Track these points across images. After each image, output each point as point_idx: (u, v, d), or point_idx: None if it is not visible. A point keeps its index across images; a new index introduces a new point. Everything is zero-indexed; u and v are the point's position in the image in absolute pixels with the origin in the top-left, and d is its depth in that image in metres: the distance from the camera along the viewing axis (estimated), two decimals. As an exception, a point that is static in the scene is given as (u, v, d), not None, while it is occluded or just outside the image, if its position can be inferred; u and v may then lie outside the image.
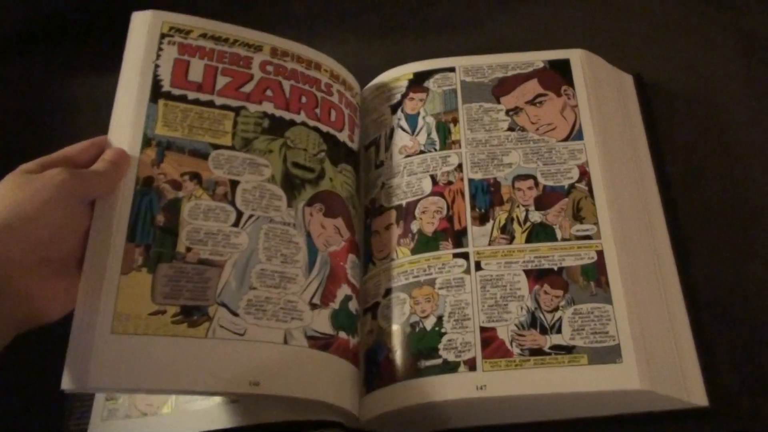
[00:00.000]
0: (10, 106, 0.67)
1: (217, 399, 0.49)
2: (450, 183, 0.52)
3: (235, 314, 0.45)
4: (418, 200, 0.52)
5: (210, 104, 0.50)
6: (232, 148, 0.49)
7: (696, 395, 0.46)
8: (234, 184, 0.48)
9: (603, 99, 0.55)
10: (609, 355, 0.44)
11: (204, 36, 0.52)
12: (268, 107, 0.51)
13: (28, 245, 0.40)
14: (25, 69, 0.69)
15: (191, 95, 0.49)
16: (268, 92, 0.52)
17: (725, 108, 0.59)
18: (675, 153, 0.57)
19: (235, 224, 0.47)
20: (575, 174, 0.51)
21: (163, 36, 0.51)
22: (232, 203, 0.47)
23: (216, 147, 0.48)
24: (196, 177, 0.47)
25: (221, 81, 0.51)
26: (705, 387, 0.47)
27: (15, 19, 0.70)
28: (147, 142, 0.47)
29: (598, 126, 0.53)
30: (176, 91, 0.49)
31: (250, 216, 0.47)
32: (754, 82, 0.60)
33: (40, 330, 0.43)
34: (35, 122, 0.66)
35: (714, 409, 0.46)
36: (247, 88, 0.51)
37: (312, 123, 0.52)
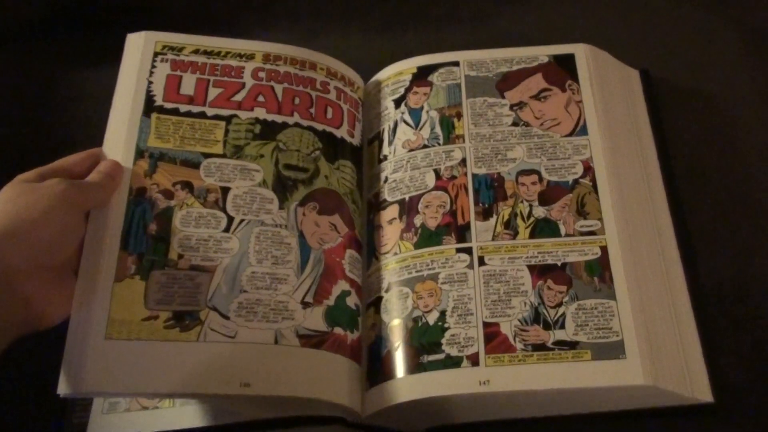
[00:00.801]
0: (15, 96, 0.67)
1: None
2: (453, 177, 0.52)
3: (226, 317, 0.45)
4: (422, 195, 0.52)
5: (202, 115, 0.51)
6: (223, 156, 0.50)
7: (701, 391, 0.46)
8: (225, 190, 0.49)
9: (608, 94, 0.55)
10: (613, 350, 0.44)
11: (196, 51, 0.54)
12: (259, 113, 0.52)
13: (29, 252, 0.41)
14: (29, 59, 0.69)
15: (183, 108, 0.51)
16: (260, 98, 0.53)
17: (731, 104, 0.59)
18: (681, 149, 0.57)
19: (226, 230, 0.48)
20: (579, 169, 0.51)
21: (156, 54, 0.53)
22: (223, 209, 0.49)
23: (207, 156, 0.50)
24: (187, 186, 0.49)
25: (213, 92, 0.52)
26: (710, 383, 0.47)
27: (20, 10, 0.70)
28: (140, 153, 0.49)
29: (603, 121, 0.53)
30: (168, 105, 0.51)
31: (241, 221, 0.48)
32: (761, 78, 0.60)
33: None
34: (40, 112, 0.66)
35: (719, 405, 0.46)
36: (239, 97, 0.53)
37: (306, 123, 0.53)
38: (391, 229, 0.51)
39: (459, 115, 0.54)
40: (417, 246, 0.50)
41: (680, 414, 0.47)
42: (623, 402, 0.47)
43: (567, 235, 0.49)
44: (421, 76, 0.57)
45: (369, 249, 0.52)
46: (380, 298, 0.49)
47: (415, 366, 0.46)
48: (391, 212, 0.52)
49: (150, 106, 0.51)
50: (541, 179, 0.51)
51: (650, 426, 0.48)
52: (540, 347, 0.45)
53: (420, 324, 0.47)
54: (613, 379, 0.43)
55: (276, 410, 0.47)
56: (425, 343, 0.46)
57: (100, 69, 0.66)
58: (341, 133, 0.54)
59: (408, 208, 0.51)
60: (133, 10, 0.67)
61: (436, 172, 0.52)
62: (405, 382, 0.46)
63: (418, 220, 0.51)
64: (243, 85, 0.53)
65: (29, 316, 0.42)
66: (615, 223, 0.49)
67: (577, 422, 0.48)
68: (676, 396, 0.45)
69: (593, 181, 0.50)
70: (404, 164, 0.53)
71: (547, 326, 0.46)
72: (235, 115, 0.52)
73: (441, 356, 0.45)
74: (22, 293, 0.41)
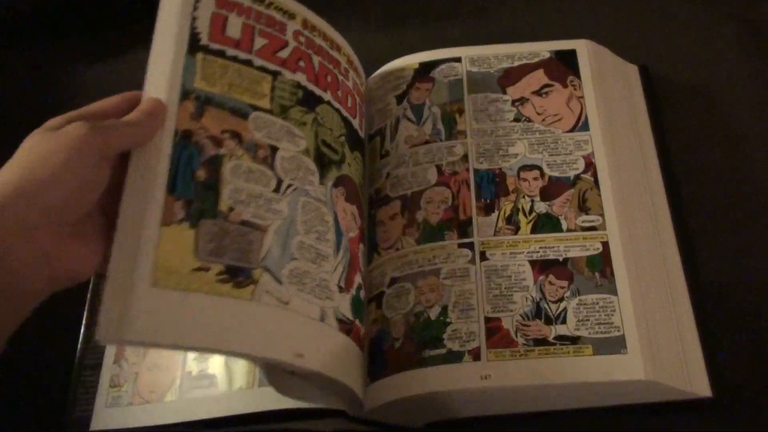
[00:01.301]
0: (14, 94, 0.66)
1: (220, 387, 0.49)
2: (455, 173, 0.52)
3: (279, 282, 0.42)
4: (423, 190, 0.52)
5: (248, 63, 0.47)
6: (270, 112, 0.46)
7: (699, 386, 0.46)
8: (273, 150, 0.45)
9: (609, 90, 0.55)
10: (614, 345, 0.44)
11: None
12: (301, 78, 0.49)
13: (45, 207, 0.38)
14: (32, 57, 0.69)
15: (230, 51, 0.46)
16: (301, 63, 0.49)
17: (730, 100, 0.59)
18: (680, 144, 0.57)
19: (276, 191, 0.44)
20: (581, 165, 0.51)
21: None
22: (272, 168, 0.45)
23: (255, 108, 0.46)
24: (236, 136, 0.44)
25: (258, 42, 0.48)
26: (708, 378, 0.47)
27: (23, 7, 0.69)
28: (185, 94, 0.44)
29: (604, 117, 0.53)
30: (214, 46, 0.46)
31: (289, 185, 0.45)
32: (760, 74, 0.60)
33: (41, 318, 0.43)
34: (41, 110, 0.65)
35: (717, 400, 0.47)
36: (283, 54, 0.48)
37: (335, 104, 0.51)
38: (393, 224, 0.51)
39: (461, 111, 0.54)
40: (419, 241, 0.50)
41: (679, 409, 0.47)
42: (623, 397, 0.47)
43: (568, 230, 0.49)
44: (423, 71, 0.57)
45: (370, 244, 0.52)
46: (382, 294, 0.50)
47: (417, 361, 0.46)
48: (393, 208, 0.52)
49: (195, 45, 0.45)
50: (542, 175, 0.51)
51: (649, 421, 0.48)
52: (541, 342, 0.45)
53: (422, 319, 0.47)
54: (614, 374, 0.44)
55: (295, 387, 0.46)
56: (427, 338, 0.46)
57: (100, 67, 0.66)
58: (356, 124, 0.53)
59: (410, 203, 0.52)
60: (133, 9, 0.67)
61: (438, 168, 0.52)
62: (406, 377, 0.46)
63: (420, 216, 0.51)
64: (286, 42, 0.49)
65: (54, 273, 0.39)
66: (616, 218, 0.49)
67: (577, 417, 0.48)
68: (676, 391, 0.45)
69: (595, 176, 0.51)
70: (406, 160, 0.53)
71: (548, 321, 0.46)
72: (280, 72, 0.48)
73: (442, 351, 0.46)
74: (43, 250, 0.38)
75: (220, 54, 0.46)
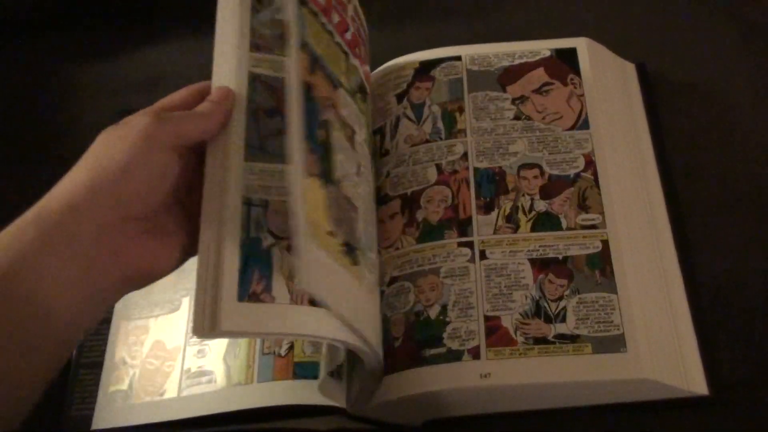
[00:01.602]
0: (16, 92, 0.66)
1: (219, 384, 0.49)
2: (455, 172, 0.52)
3: (368, 269, 0.40)
4: (423, 189, 0.52)
5: (332, 36, 0.43)
6: (348, 92, 0.43)
7: (696, 384, 0.47)
8: (352, 131, 0.42)
9: (609, 88, 0.55)
10: (613, 344, 0.45)
11: None
12: (358, 65, 0.46)
13: (115, 202, 0.37)
14: (32, 55, 0.68)
15: (321, 17, 0.42)
16: (357, 50, 0.47)
17: (728, 98, 0.59)
18: (677, 143, 0.57)
19: (357, 174, 0.41)
20: (581, 163, 0.51)
21: None
22: (354, 150, 0.41)
23: (340, 84, 0.42)
24: (334, 107, 0.41)
25: (334, 17, 0.44)
26: (705, 376, 0.47)
27: (23, 5, 0.69)
28: (303, 45, 0.39)
29: (605, 115, 0.53)
30: (312, 6, 0.42)
31: (363, 172, 0.43)
32: (757, 72, 0.60)
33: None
34: (41, 109, 0.66)
35: (714, 397, 0.47)
36: (348, 36, 0.45)
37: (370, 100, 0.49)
38: (393, 223, 0.51)
39: (461, 110, 0.54)
40: (419, 240, 0.50)
41: (676, 407, 0.47)
42: (621, 395, 0.47)
43: (568, 228, 0.49)
44: (424, 70, 0.57)
45: (371, 242, 0.52)
46: (382, 293, 0.49)
47: (417, 360, 0.46)
48: (393, 207, 0.52)
49: None
50: (542, 173, 0.51)
51: (647, 418, 0.48)
52: (541, 341, 0.45)
53: (421, 318, 0.47)
54: (613, 373, 0.44)
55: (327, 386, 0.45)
56: (426, 336, 0.47)
57: (100, 65, 0.66)
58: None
59: (410, 202, 0.52)
60: (133, 9, 0.67)
61: (438, 167, 0.52)
62: (406, 376, 0.46)
63: (420, 215, 0.51)
64: (348, 26, 0.45)
65: (126, 273, 0.37)
66: (616, 217, 0.49)
67: (575, 415, 0.48)
68: (673, 389, 0.46)
69: (595, 174, 0.51)
70: (406, 159, 0.53)
71: (548, 320, 0.46)
72: (348, 54, 0.44)
73: (442, 350, 0.46)
74: (112, 250, 0.36)
75: (315, 15, 0.42)
